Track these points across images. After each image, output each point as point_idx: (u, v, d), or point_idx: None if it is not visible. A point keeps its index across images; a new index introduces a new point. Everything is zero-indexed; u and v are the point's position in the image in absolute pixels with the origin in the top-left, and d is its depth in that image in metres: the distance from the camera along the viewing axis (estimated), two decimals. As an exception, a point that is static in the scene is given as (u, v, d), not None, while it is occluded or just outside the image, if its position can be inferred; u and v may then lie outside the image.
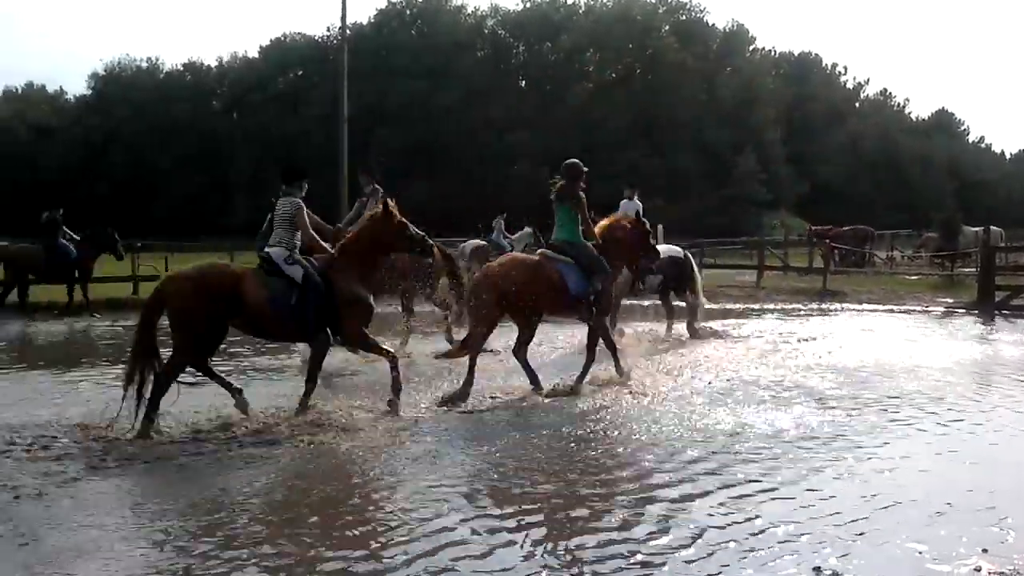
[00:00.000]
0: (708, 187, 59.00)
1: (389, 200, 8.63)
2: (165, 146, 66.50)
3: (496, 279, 9.17)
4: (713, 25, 70.19)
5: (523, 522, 5.45)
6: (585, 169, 9.66)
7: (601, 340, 9.67)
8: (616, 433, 7.64)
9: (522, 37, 69.74)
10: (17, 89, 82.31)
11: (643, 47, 65.52)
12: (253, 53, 76.57)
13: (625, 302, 13.41)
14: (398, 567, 4.80)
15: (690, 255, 14.87)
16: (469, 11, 71.87)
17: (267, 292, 7.89)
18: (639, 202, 13.52)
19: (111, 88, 74.77)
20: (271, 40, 75.46)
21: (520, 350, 9.52)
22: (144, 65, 78.21)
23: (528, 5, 70.42)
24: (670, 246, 14.54)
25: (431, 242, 8.91)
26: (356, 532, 5.33)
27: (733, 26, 70.64)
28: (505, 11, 71.53)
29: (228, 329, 8.09)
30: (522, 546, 5.08)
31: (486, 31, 71.16)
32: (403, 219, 8.49)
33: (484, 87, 63.63)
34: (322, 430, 7.49)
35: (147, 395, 7.52)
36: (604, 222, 9.96)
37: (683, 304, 14.24)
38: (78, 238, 18.00)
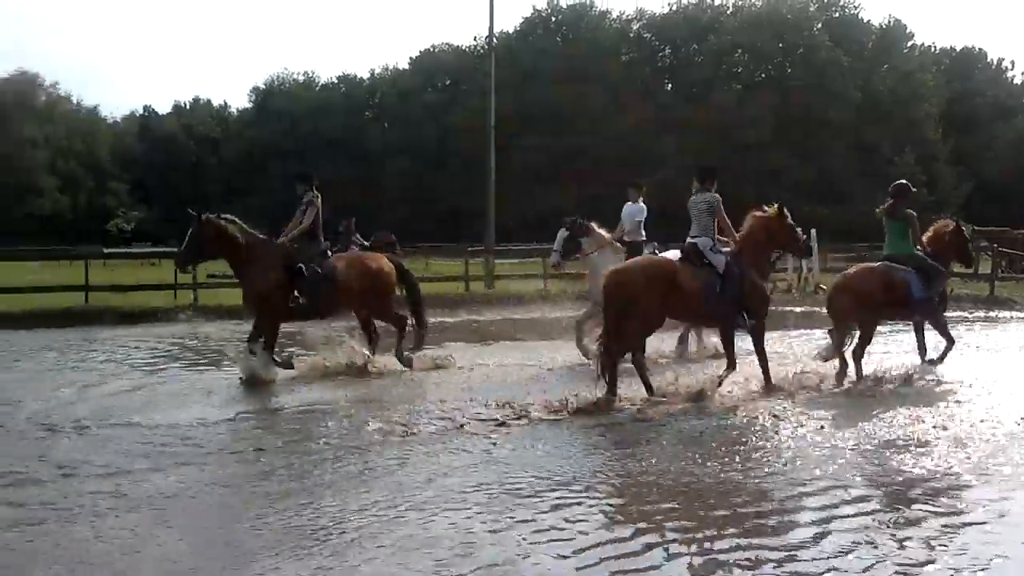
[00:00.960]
0: (865, 189, 56.93)
1: (779, 208, 9.70)
2: (320, 156, 69.14)
3: (854, 285, 10.40)
4: (868, 21, 67.79)
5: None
6: (913, 189, 10.92)
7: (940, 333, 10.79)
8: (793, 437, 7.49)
9: (668, 40, 69.08)
10: (185, 104, 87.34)
11: (794, 46, 63.79)
12: (403, 65, 78.90)
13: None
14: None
15: None
16: (614, 15, 71.86)
17: (698, 281, 9.13)
18: (644, 204, 12.87)
19: (270, 101, 78.36)
20: (420, 51, 77.63)
21: (859, 350, 10.27)
22: (301, 79, 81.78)
23: (674, 7, 69.75)
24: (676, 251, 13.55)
25: (811, 245, 10.21)
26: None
27: (890, 22, 68.00)
28: (650, 14, 71.13)
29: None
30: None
31: (631, 35, 70.85)
32: (792, 220, 9.75)
33: (629, 91, 63.31)
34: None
35: (608, 376, 8.93)
36: (929, 233, 10.97)
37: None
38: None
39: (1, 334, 15.58)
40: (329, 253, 11.20)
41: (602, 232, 12.62)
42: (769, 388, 9.37)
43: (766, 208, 9.87)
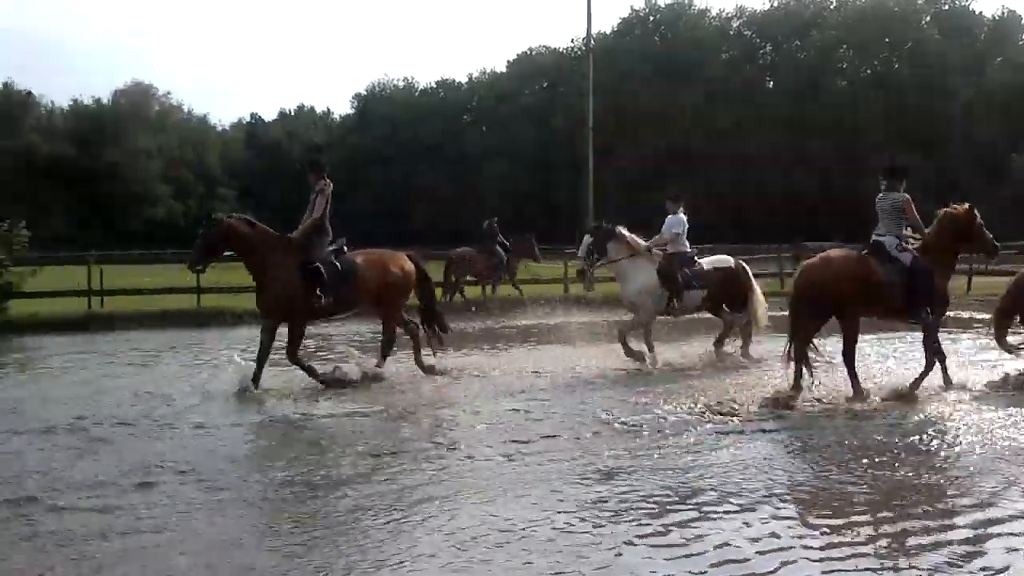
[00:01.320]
0: (980, 185, 54.73)
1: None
2: (419, 161, 69.96)
3: None
4: (980, 13, 65.18)
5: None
6: None
7: None
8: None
9: (769, 37, 67.68)
10: (290, 111, 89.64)
11: (902, 40, 61.79)
12: (501, 68, 79.36)
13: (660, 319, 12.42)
14: None
15: (745, 266, 12.75)
16: (713, 13, 70.77)
17: (884, 276, 9.31)
18: (683, 215, 12.37)
19: (372, 107, 79.71)
20: (518, 54, 77.98)
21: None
22: (401, 84, 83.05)
23: (775, 3, 68.30)
24: (719, 257, 12.94)
25: (998, 245, 10.19)
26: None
27: (1003, 13, 65.20)
28: (751, 11, 69.80)
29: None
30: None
31: (731, 32, 69.69)
32: (981, 220, 9.76)
33: (730, 89, 62.25)
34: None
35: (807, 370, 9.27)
36: None
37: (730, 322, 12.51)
38: (508, 243, 20.38)
39: (126, 334, 16.12)
40: (345, 248, 10.88)
41: (633, 238, 12.30)
42: (916, 385, 9.30)
43: (955, 207, 9.80)
